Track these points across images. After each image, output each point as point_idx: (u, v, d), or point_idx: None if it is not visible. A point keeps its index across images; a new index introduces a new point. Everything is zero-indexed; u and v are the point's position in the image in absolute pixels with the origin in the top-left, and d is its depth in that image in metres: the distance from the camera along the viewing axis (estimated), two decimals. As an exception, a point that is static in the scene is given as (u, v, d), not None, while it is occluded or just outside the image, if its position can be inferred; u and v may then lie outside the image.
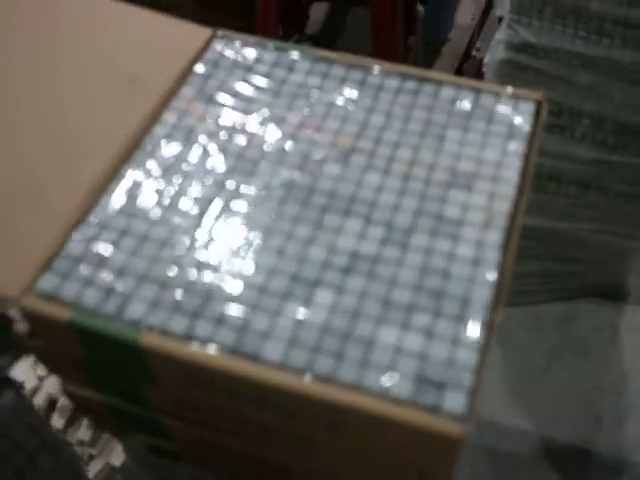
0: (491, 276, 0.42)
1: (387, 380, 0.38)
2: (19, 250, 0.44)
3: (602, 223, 1.19)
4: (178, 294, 0.42)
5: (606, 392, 1.21)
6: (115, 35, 0.60)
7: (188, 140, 0.50)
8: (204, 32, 0.59)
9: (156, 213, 0.46)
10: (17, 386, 0.54)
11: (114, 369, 0.46)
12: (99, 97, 0.54)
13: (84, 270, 0.43)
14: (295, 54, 0.55)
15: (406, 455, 0.39)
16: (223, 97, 0.52)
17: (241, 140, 0.50)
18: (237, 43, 0.56)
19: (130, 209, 0.46)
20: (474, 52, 1.64)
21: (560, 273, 1.31)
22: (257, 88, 0.52)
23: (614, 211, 1.17)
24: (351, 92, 0.51)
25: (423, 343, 0.39)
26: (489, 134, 0.49)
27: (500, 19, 1.05)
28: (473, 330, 0.40)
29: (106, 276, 0.43)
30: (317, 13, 1.64)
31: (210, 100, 0.52)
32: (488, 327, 0.40)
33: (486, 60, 1.08)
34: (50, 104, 0.53)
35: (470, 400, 0.37)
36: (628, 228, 1.20)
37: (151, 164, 0.48)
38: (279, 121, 0.50)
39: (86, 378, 0.49)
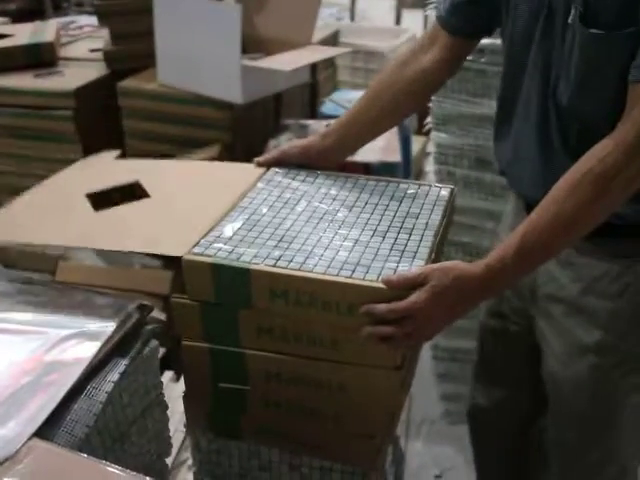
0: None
1: (362, 274, 0.79)
2: (182, 239, 0.84)
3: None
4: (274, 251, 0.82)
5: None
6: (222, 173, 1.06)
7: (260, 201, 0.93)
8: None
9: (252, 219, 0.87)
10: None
11: (225, 297, 0.82)
12: (212, 197, 0.98)
13: (216, 243, 0.83)
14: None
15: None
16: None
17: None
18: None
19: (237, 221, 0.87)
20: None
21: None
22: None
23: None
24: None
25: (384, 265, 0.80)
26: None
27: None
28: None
29: (228, 245, 0.83)
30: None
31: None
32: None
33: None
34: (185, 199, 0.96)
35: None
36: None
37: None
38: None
39: (200, 326, 0.85)
